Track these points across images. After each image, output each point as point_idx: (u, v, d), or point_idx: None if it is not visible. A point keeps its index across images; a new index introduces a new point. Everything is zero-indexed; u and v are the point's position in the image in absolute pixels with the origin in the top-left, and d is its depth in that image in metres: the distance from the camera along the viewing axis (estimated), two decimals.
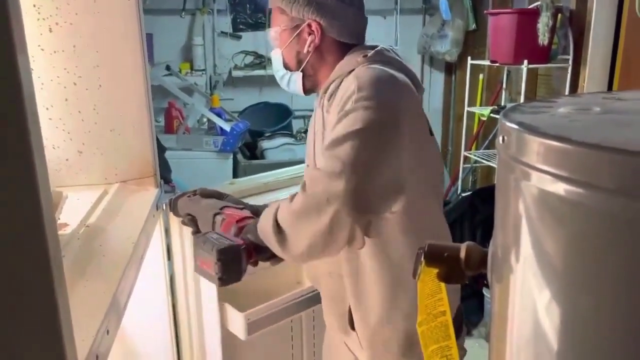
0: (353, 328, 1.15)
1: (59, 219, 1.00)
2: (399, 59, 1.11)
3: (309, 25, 1.11)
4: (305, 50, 1.13)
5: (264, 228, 1.00)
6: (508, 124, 0.44)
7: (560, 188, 0.37)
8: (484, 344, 2.59)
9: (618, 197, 0.33)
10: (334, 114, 1.02)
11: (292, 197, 0.97)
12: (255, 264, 1.04)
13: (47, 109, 1.19)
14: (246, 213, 1.13)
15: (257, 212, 1.16)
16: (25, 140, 0.50)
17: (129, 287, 0.93)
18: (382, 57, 1.08)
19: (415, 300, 1.02)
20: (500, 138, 0.45)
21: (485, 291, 2.67)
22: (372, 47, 1.11)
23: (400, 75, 1.05)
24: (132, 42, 1.24)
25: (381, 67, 1.05)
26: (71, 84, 1.19)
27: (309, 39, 1.12)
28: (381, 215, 0.99)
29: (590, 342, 0.39)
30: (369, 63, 1.06)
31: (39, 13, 1.14)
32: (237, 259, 1.00)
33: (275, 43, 1.17)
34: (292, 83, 1.18)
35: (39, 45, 1.15)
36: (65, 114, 1.21)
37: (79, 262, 0.90)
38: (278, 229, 0.97)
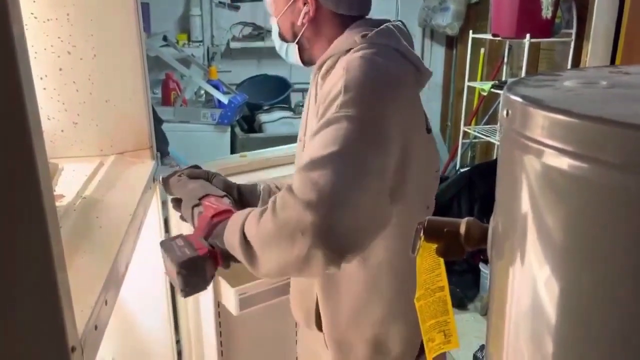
0: (319, 327, 1.11)
1: (55, 190, 0.99)
2: (403, 41, 1.01)
3: None
4: (299, 22, 1.07)
5: (231, 241, 0.91)
6: (512, 97, 0.43)
7: (564, 163, 0.36)
8: (480, 318, 2.62)
9: (623, 172, 0.32)
10: (322, 98, 0.94)
11: (262, 212, 0.87)
12: (226, 267, 0.97)
13: (41, 78, 1.17)
14: (224, 205, 1.03)
15: (242, 197, 1.14)
16: (21, 111, 0.48)
17: (126, 259, 0.93)
18: (382, 38, 0.99)
19: (389, 308, 1.03)
20: (504, 112, 0.44)
21: (481, 266, 2.69)
22: (379, 23, 1.03)
23: (396, 66, 0.96)
24: (127, 11, 1.21)
25: (376, 57, 0.95)
26: (65, 53, 1.17)
27: (304, 9, 1.05)
28: (363, 251, 0.86)
29: (589, 318, 0.39)
30: (367, 46, 0.97)
31: None
32: (200, 271, 0.94)
33: (271, 11, 1.11)
34: (289, 54, 1.12)
35: (32, 13, 1.13)
36: (59, 84, 1.19)
37: (75, 234, 0.90)
38: (246, 245, 0.88)
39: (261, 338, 1.58)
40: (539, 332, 0.44)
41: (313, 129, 0.90)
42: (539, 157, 0.39)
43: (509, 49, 3.19)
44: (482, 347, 2.27)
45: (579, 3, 2.60)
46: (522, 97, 0.43)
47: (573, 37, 2.61)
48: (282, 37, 1.12)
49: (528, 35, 2.54)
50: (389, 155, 0.88)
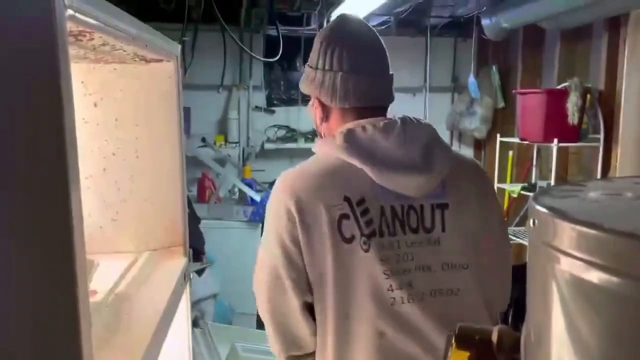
0: None
1: (89, 286, 1.01)
2: (381, 138, 1.07)
3: (317, 99, 1.18)
4: (318, 122, 1.21)
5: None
6: (538, 207, 0.44)
7: (593, 275, 0.36)
8: None
9: None
10: None
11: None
12: None
13: (86, 178, 1.24)
14: None
15: None
16: (67, 210, 0.52)
17: (154, 357, 0.92)
18: (347, 138, 1.07)
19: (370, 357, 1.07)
20: (531, 221, 0.44)
21: None
22: (378, 114, 1.13)
23: (328, 172, 1.08)
24: (171, 115, 1.29)
25: (315, 161, 1.15)
26: (110, 154, 1.24)
27: (316, 112, 1.20)
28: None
29: None
30: (334, 142, 1.10)
31: (85, 89, 1.21)
32: None
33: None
34: None
35: (83, 118, 1.22)
36: (102, 183, 1.25)
37: (106, 330, 0.90)
38: None
39: None
40: None
41: None
42: (568, 268, 0.39)
43: (538, 152, 3.23)
44: None
45: (605, 109, 2.65)
46: (548, 208, 0.44)
47: (601, 142, 2.63)
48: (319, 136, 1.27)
49: (555, 140, 2.58)
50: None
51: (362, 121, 1.10)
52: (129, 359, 0.82)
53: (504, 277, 1.17)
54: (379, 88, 1.15)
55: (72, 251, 0.52)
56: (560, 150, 2.61)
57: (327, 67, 1.13)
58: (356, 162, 1.05)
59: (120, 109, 1.24)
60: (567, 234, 0.38)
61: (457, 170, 1.12)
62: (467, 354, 0.51)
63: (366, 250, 1.04)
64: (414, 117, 1.14)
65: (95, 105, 1.22)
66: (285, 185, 1.10)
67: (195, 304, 2.50)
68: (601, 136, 2.63)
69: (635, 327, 0.35)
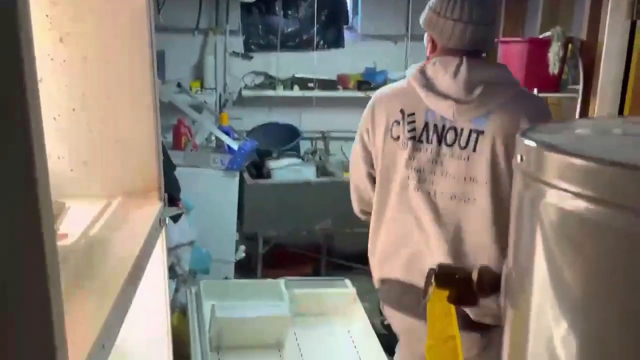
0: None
1: (59, 229, 0.98)
2: (425, 73, 1.46)
3: (429, 35, 1.50)
4: (428, 53, 1.53)
5: None
6: (527, 142, 0.42)
7: (582, 207, 0.35)
8: None
9: None
10: None
11: None
12: None
13: (54, 118, 1.19)
14: None
15: None
16: (27, 146, 0.48)
17: (127, 302, 0.91)
18: (420, 69, 1.48)
19: (388, 245, 1.52)
20: (519, 157, 0.43)
21: None
22: (462, 56, 1.42)
23: (398, 92, 1.53)
24: (143, 57, 1.24)
25: (398, 83, 1.58)
26: (79, 94, 1.19)
27: (428, 46, 1.52)
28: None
29: None
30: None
31: (50, 23, 1.14)
32: None
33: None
34: None
35: (48, 54, 1.15)
36: (72, 124, 1.20)
37: (77, 274, 0.88)
38: None
39: None
40: None
41: None
42: (555, 201, 0.38)
43: None
44: None
45: (586, 60, 2.64)
46: (537, 142, 0.42)
47: (580, 92, 2.64)
48: None
49: (535, 90, 2.57)
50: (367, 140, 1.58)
51: (440, 57, 1.45)
52: (101, 303, 0.80)
53: None
54: (476, 36, 1.42)
55: (34, 185, 0.49)
56: None
57: (442, 14, 1.42)
58: (416, 87, 1.44)
59: (88, 45, 1.18)
60: (555, 166, 0.37)
61: (509, 107, 1.40)
62: (446, 292, 0.50)
63: (404, 148, 1.46)
64: (485, 62, 1.51)
65: (61, 40, 1.15)
66: (371, 101, 1.57)
67: (171, 250, 2.49)
68: (580, 86, 2.63)
69: (621, 259, 0.34)
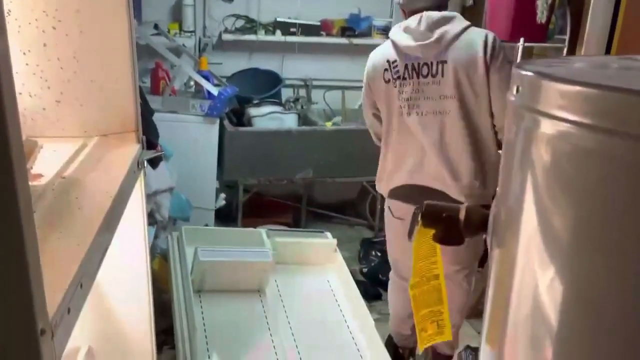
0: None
1: (32, 168, 0.95)
2: (404, 28, 1.95)
3: (400, 8, 2.04)
4: (402, 17, 2.03)
5: None
6: (523, 72, 0.40)
7: (579, 136, 0.33)
8: None
9: None
10: None
11: None
12: None
13: (24, 53, 1.13)
14: None
15: None
16: None
17: (105, 242, 0.89)
18: (396, 27, 2.00)
19: (395, 161, 2.03)
20: (514, 88, 0.41)
21: None
22: (422, 12, 1.92)
23: (385, 47, 2.01)
24: None
25: (385, 42, 2.04)
26: (50, 27, 1.12)
27: (401, 15, 2.05)
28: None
29: (595, 325, 0.36)
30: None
31: None
32: None
33: None
34: None
35: None
36: (43, 60, 1.14)
37: (53, 214, 0.86)
38: None
39: None
40: (538, 336, 0.41)
41: None
42: (550, 131, 0.36)
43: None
44: (466, 347, 2.26)
45: (573, 10, 2.60)
46: (534, 72, 0.40)
47: (566, 43, 2.61)
48: None
49: (522, 40, 2.54)
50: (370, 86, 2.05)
51: (410, 18, 1.93)
52: (79, 244, 0.78)
53: (498, 104, 1.89)
54: None
55: (2, 120, 0.46)
56: (525, 50, 2.58)
57: None
58: (396, 40, 1.93)
59: None
60: (554, 94, 0.35)
61: (462, 40, 1.85)
62: (432, 231, 0.49)
63: (394, 87, 1.93)
64: (441, 12, 1.91)
65: None
66: (368, 62, 2.02)
67: (150, 197, 2.46)
68: (567, 37, 2.60)
69: (612, 184, 0.33)
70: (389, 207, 2.09)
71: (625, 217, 0.31)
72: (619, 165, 0.31)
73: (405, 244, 1.80)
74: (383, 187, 2.08)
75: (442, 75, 1.85)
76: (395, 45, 1.93)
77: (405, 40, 1.90)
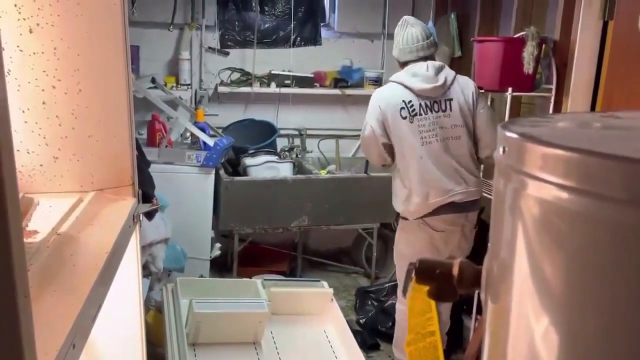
0: None
1: (27, 226, 0.95)
2: (409, 74, 2.48)
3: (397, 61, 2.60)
4: (400, 68, 2.57)
5: None
6: (508, 134, 0.42)
7: (564, 198, 0.34)
8: None
9: (631, 207, 0.30)
10: None
11: None
12: None
13: (23, 111, 1.15)
14: None
15: None
16: None
17: (99, 300, 0.88)
18: (405, 72, 2.50)
19: (420, 184, 2.50)
20: (501, 149, 0.42)
21: (464, 318, 2.63)
22: (425, 60, 2.52)
23: (397, 88, 2.49)
24: (116, 50, 1.21)
25: (390, 84, 2.54)
26: (49, 87, 1.15)
27: (399, 65, 2.58)
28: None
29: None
30: (400, 75, 2.53)
31: (19, 13, 1.10)
32: None
33: None
34: None
35: (17, 46, 1.11)
36: (41, 117, 1.17)
37: (47, 272, 0.85)
38: None
39: None
40: None
41: None
42: (537, 193, 0.37)
43: (491, 102, 3.26)
44: None
45: (559, 60, 2.68)
46: (519, 133, 0.42)
47: (553, 92, 2.68)
48: None
49: (510, 89, 2.61)
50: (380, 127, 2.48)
51: (413, 65, 2.46)
52: (72, 303, 0.77)
53: (486, 133, 2.50)
54: (426, 47, 2.50)
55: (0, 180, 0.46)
56: (513, 99, 2.64)
57: (406, 47, 2.50)
58: (407, 84, 2.43)
59: (59, 37, 1.14)
60: (537, 157, 0.37)
61: (458, 83, 2.49)
62: (427, 287, 0.50)
63: (411, 122, 2.41)
64: (436, 62, 2.50)
65: (30, 31, 1.11)
66: (375, 101, 2.47)
67: (146, 248, 2.45)
68: (553, 86, 2.67)
69: (604, 250, 0.34)
70: (425, 223, 2.46)
71: (612, 278, 0.32)
72: (605, 228, 0.32)
73: (437, 255, 2.49)
74: (415, 203, 2.47)
75: (451, 110, 2.43)
76: (407, 87, 2.43)
77: (419, 84, 2.41)
